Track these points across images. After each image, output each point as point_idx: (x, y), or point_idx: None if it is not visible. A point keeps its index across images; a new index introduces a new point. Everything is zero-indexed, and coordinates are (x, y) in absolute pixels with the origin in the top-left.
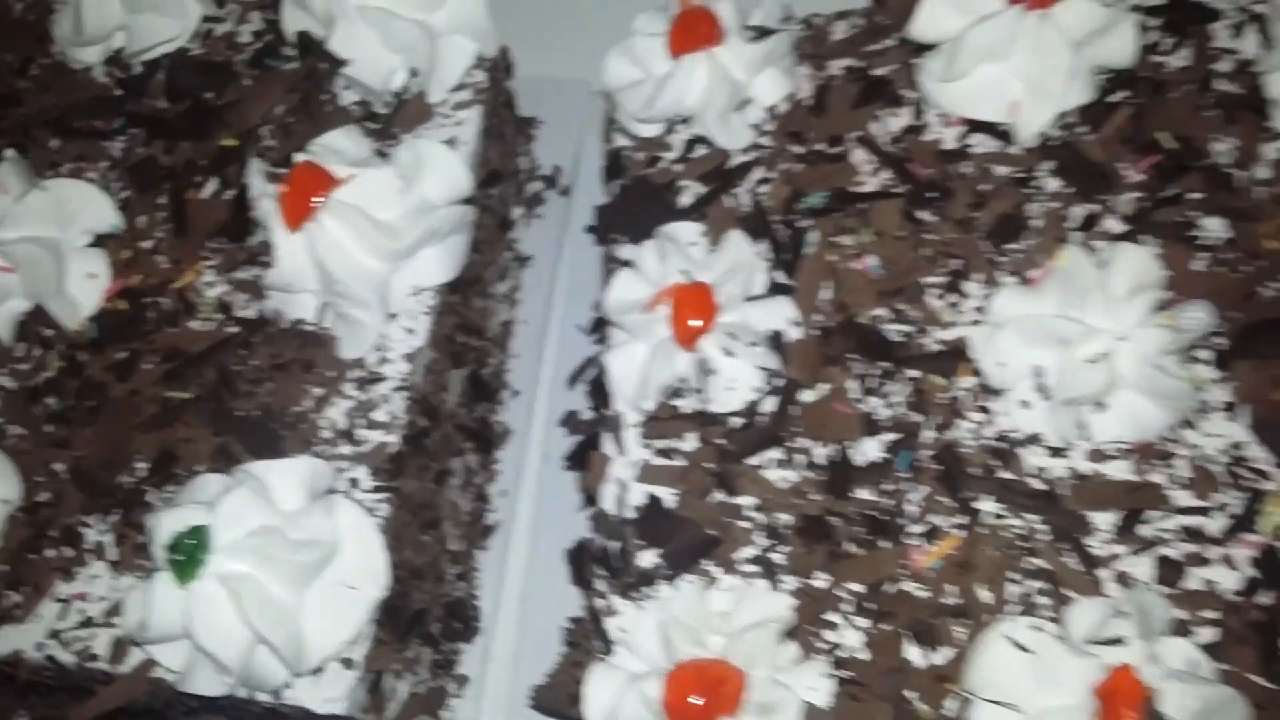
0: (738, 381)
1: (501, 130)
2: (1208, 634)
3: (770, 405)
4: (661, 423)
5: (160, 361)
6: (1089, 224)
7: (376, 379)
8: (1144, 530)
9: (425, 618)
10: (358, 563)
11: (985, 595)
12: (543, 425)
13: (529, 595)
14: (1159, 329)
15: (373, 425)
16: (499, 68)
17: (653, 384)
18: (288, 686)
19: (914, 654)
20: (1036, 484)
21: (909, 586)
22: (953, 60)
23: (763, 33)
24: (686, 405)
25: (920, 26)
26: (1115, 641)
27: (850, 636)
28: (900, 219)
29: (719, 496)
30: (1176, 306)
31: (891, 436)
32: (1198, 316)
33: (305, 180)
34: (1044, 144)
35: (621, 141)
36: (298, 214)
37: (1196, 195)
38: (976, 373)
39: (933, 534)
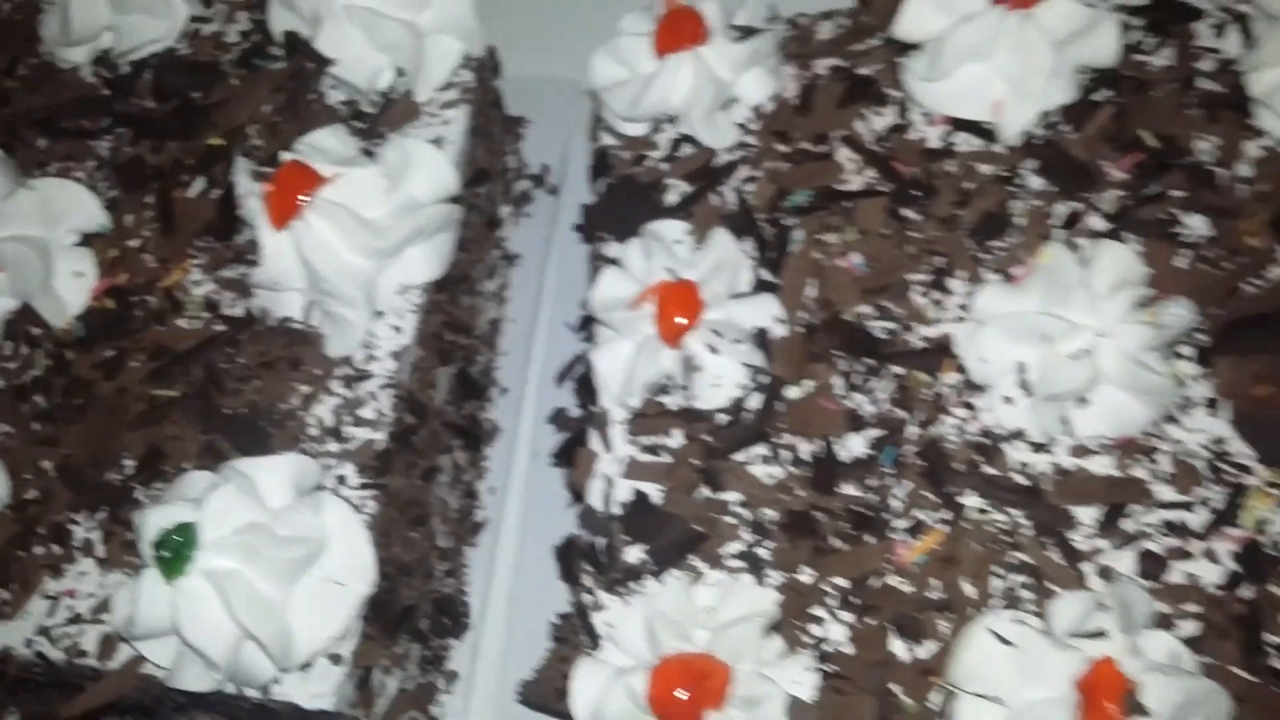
0: (723, 378)
1: (489, 129)
2: (1190, 627)
3: (756, 402)
4: (648, 419)
5: (147, 360)
6: (1072, 222)
7: (364, 376)
8: (1126, 524)
9: (414, 614)
10: (345, 559)
11: (969, 589)
12: (531, 423)
13: (518, 592)
14: (1141, 325)
15: (360, 423)
16: (486, 67)
17: (638, 381)
18: (276, 682)
19: (898, 648)
20: (1020, 479)
21: (894, 581)
22: (936, 60)
23: (748, 32)
24: (672, 402)
25: (904, 26)
26: (1097, 635)
27: (835, 631)
28: (885, 217)
29: (705, 492)
30: (1158, 303)
31: (876, 432)
32: (1179, 313)
33: (291, 179)
34: (1027, 142)
35: (608, 140)
36: (284, 213)
37: (1179, 193)
38: (960, 369)
39: (917, 529)
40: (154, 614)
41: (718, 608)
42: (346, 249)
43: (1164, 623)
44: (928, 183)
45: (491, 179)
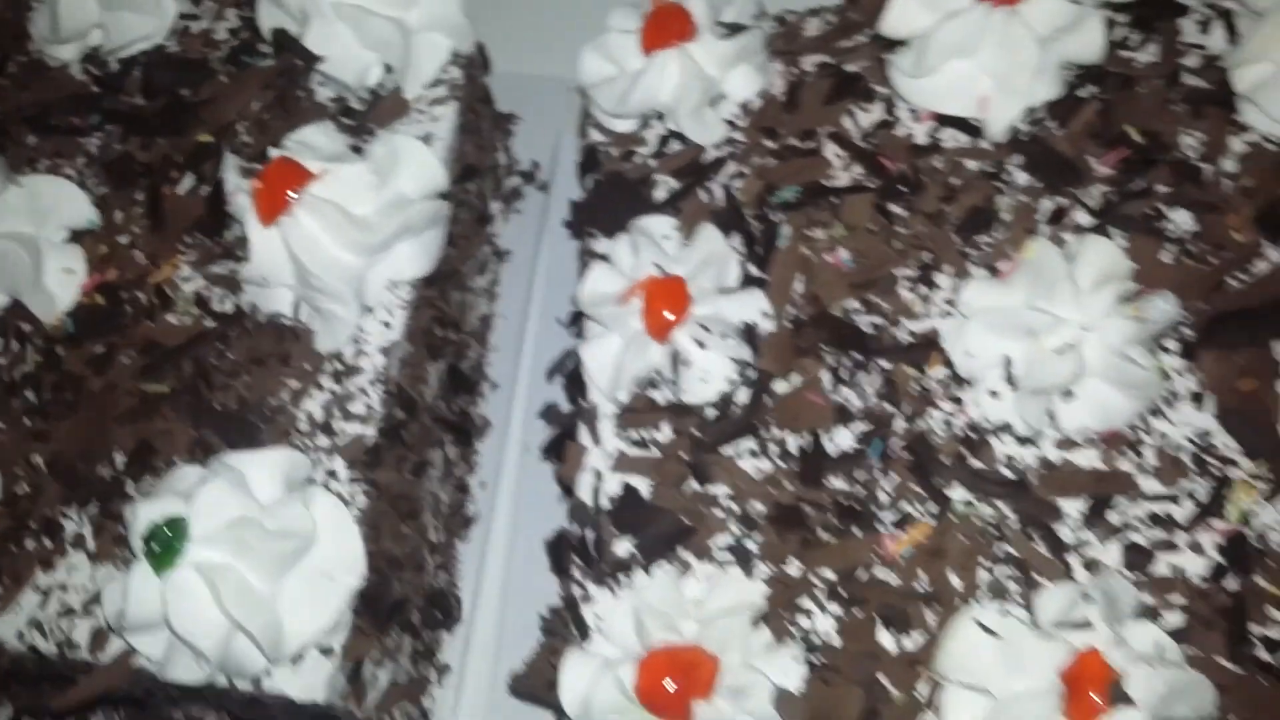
0: (711, 373)
1: (478, 126)
2: (1175, 619)
3: (744, 396)
4: (636, 413)
5: (138, 355)
6: (1058, 217)
7: (353, 372)
8: (1112, 517)
9: (405, 607)
10: (335, 553)
11: (956, 581)
12: (522, 417)
13: (509, 585)
14: (1125, 319)
15: (350, 418)
16: (475, 64)
17: (627, 375)
18: (267, 674)
19: (886, 639)
20: (1006, 472)
21: (881, 573)
22: (922, 56)
23: (735, 29)
24: (661, 396)
25: (891, 23)
26: (1082, 626)
27: (823, 622)
28: (872, 212)
29: (693, 486)
30: (1143, 298)
31: (863, 426)
32: (1163, 307)
33: (279, 175)
34: (1013, 138)
35: (597, 137)
36: (272, 209)
37: (1164, 188)
38: (947, 363)
39: (904, 521)
40: (144, 607)
41: (706, 600)
42: (335, 245)
43: (1149, 614)
44: (914, 178)
45: (481, 175)
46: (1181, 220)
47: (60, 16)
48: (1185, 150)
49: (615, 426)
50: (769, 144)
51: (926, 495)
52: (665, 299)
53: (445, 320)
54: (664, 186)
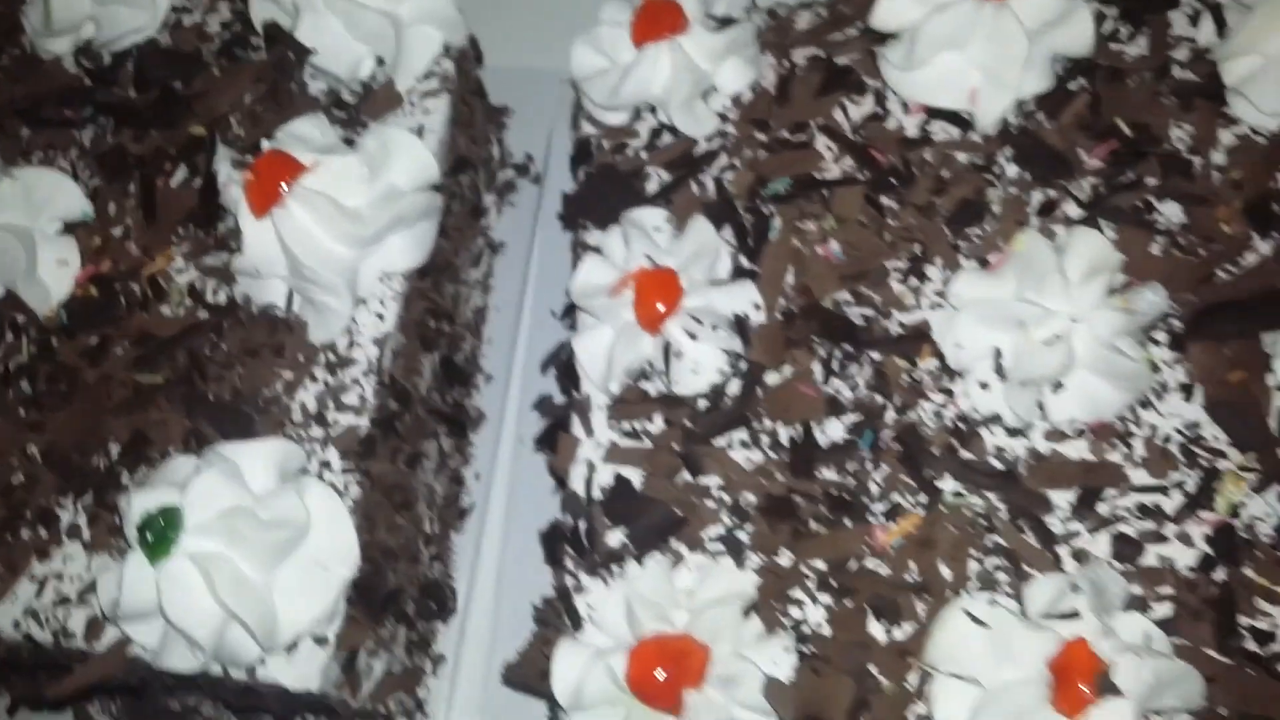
0: (702, 364)
1: (471, 119)
2: (1164, 609)
3: (735, 387)
4: (628, 405)
5: (132, 346)
6: (1048, 209)
7: (346, 363)
8: (1101, 508)
9: (400, 597)
10: (328, 543)
11: (946, 572)
12: (516, 409)
13: (504, 576)
14: (1114, 311)
15: (343, 408)
16: (467, 57)
17: (619, 367)
18: (261, 663)
19: (876, 629)
20: (996, 463)
21: (871, 564)
22: (912, 49)
23: (726, 22)
24: (653, 388)
25: (881, 16)
26: (1070, 616)
27: (814, 613)
28: (863, 205)
29: (685, 477)
30: (1132, 289)
31: (854, 418)
32: (1152, 299)
33: (271, 167)
34: (1004, 131)
35: (589, 129)
36: (264, 200)
37: (1153, 181)
38: (938, 355)
39: (894, 512)
40: (139, 596)
41: (697, 590)
42: (327, 237)
43: (1138, 605)
44: (905, 171)
45: (474, 168)
46: (1171, 212)
47: (53, 10)
48: (1175, 143)
49: (607, 418)
50: (760, 136)
51: (917, 486)
52: (657, 291)
53: (438, 312)
54: (656, 179)
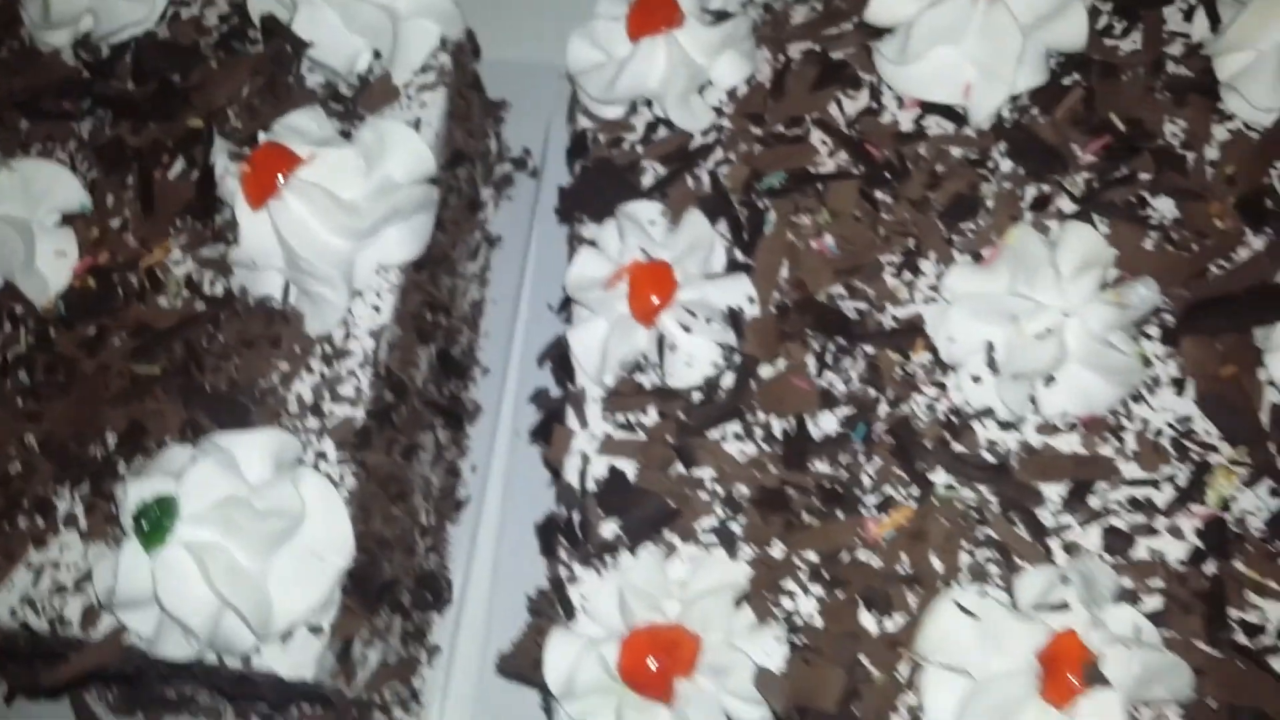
0: (696, 357)
1: (468, 112)
2: (1154, 602)
3: (729, 380)
4: (623, 397)
5: (129, 337)
6: (1041, 204)
7: (343, 354)
8: (1093, 501)
9: (395, 588)
10: (323, 532)
11: (937, 564)
12: (513, 402)
13: (499, 567)
14: (1106, 305)
15: (339, 400)
16: (464, 51)
17: (613, 359)
18: (256, 652)
19: (867, 620)
20: (988, 456)
21: (863, 555)
22: (907, 44)
23: (721, 16)
24: (648, 380)
25: (876, 11)
26: (1059, 608)
27: (805, 604)
28: (857, 199)
29: (679, 469)
30: (1124, 284)
31: (847, 410)
32: (1144, 293)
33: (268, 159)
34: (997, 125)
35: (585, 123)
36: (261, 192)
37: (1147, 176)
38: (931, 348)
39: (886, 505)
40: (134, 584)
41: (689, 580)
42: (323, 229)
43: (1128, 597)
44: (900, 165)
45: (472, 162)
46: (1164, 207)
47: (51, 3)
48: (1168, 138)
49: (602, 410)
50: (755, 131)
51: (909, 479)
52: (651, 283)
53: (435, 305)
54: (651, 172)
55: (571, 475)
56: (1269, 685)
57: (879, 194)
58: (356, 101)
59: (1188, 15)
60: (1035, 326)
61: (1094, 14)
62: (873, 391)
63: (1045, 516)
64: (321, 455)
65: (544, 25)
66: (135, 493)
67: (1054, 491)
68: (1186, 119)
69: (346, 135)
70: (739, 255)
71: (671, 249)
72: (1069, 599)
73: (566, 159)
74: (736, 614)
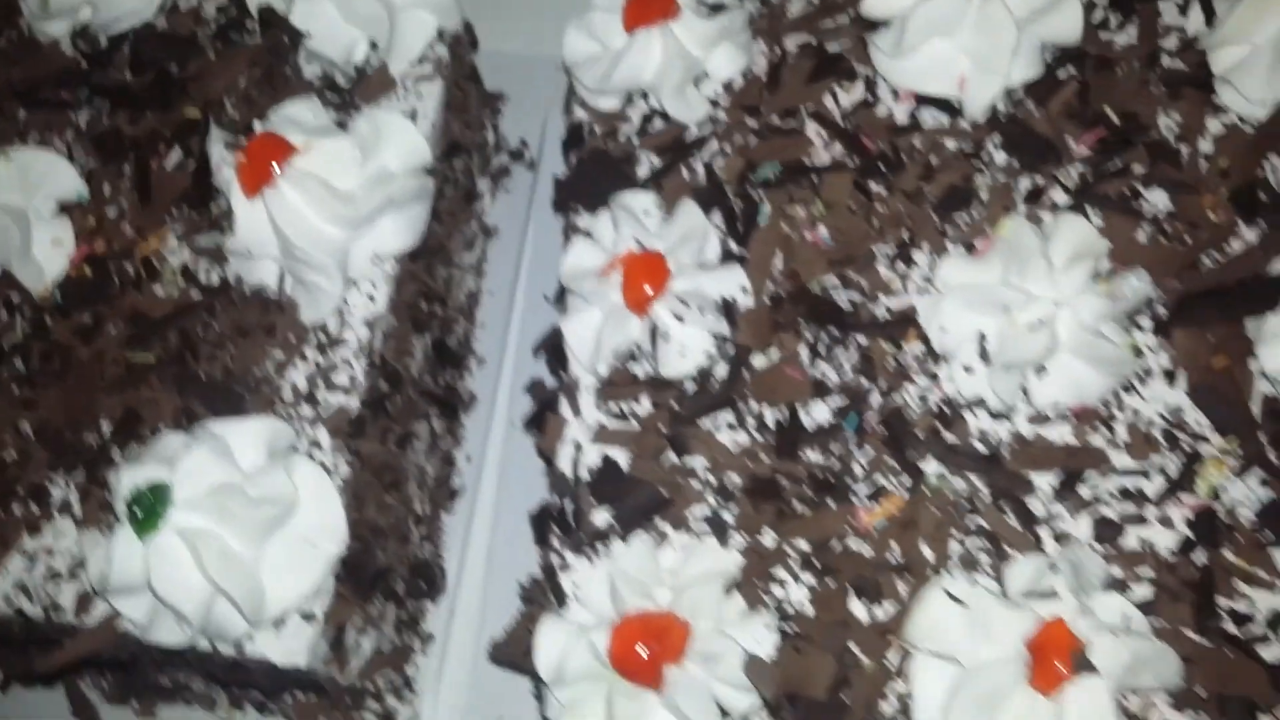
0: (689, 347)
1: (465, 103)
2: (1144, 591)
3: (723, 370)
4: (616, 387)
5: (125, 326)
6: (1035, 196)
7: (337, 343)
8: (1083, 491)
9: (389, 576)
10: (316, 520)
11: (928, 553)
12: (508, 392)
13: (494, 556)
14: (1098, 296)
15: (333, 388)
16: (462, 42)
17: (607, 349)
18: (249, 639)
19: (858, 609)
20: (979, 446)
21: (854, 544)
22: (902, 36)
23: (717, 8)
24: (641, 370)
25: (872, 3)
26: (1048, 596)
27: (796, 592)
28: (851, 191)
29: (671, 458)
30: (1116, 275)
31: (840, 400)
32: (1135, 285)
33: (264, 149)
34: (992, 118)
35: (581, 114)
36: (256, 181)
37: (1141, 168)
38: (923, 339)
39: (878, 494)
40: (127, 570)
41: (679, 568)
42: (318, 217)
43: (1118, 586)
44: (894, 157)
45: (468, 153)
46: (1157, 200)
47: None
48: (1163, 131)
49: (596, 399)
50: (751, 122)
51: (900, 468)
52: (644, 273)
53: (430, 295)
54: (646, 164)
55: (564, 464)
56: (1257, 674)
57: (873, 185)
58: (353, 92)
59: (1183, 9)
60: (1027, 317)
61: (1089, 7)
62: (865, 381)
63: (1036, 506)
64: (315, 443)
65: (542, 17)
66: (129, 479)
67: (1045, 481)
68: (1181, 112)
69: (343, 126)
70: (733, 246)
71: (665, 239)
72: (1058, 587)
73: (562, 150)
74: (727, 602)
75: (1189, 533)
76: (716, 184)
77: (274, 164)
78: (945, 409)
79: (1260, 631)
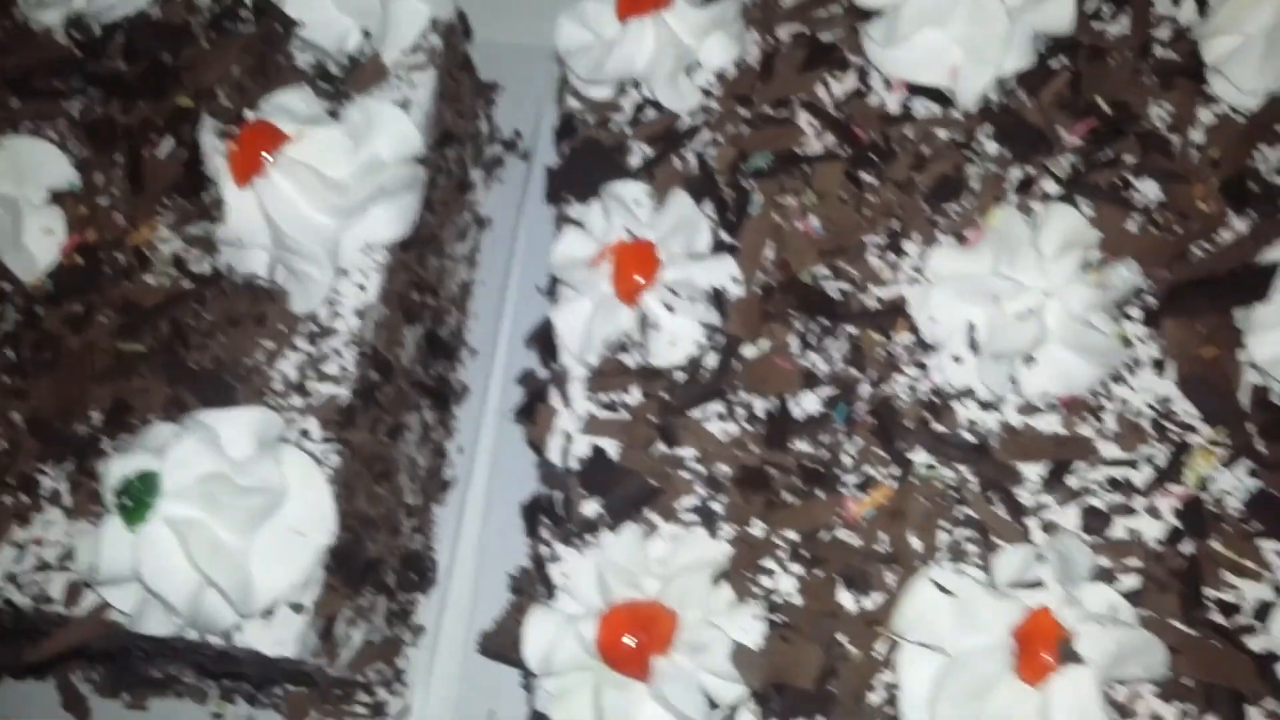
0: (679, 336)
1: (458, 93)
2: (1131, 581)
3: (713, 360)
4: (606, 377)
5: (116, 315)
6: (1026, 186)
7: (328, 333)
8: (1071, 481)
9: (379, 567)
10: (305, 510)
11: (916, 543)
12: (500, 384)
13: (485, 548)
14: (1087, 286)
15: (324, 378)
16: (455, 32)
17: (597, 338)
18: (238, 629)
19: (846, 599)
20: (968, 436)
21: (843, 534)
22: (894, 26)
23: None
24: (631, 360)
25: None
26: (1034, 585)
27: (785, 582)
28: (843, 181)
29: (661, 448)
30: (1105, 265)
31: (829, 391)
32: (1125, 274)
33: (255, 137)
34: (984, 108)
35: (574, 104)
36: (247, 170)
37: (1132, 158)
38: (913, 329)
39: (866, 484)
40: (116, 560)
41: (667, 557)
42: (309, 206)
43: (1106, 576)
44: (886, 147)
45: (462, 143)
46: (1148, 190)
47: None
48: (1154, 121)
49: (586, 389)
50: (743, 112)
51: (889, 458)
52: (634, 263)
53: (422, 285)
54: (639, 153)
55: (554, 454)
56: (1244, 664)
57: (865, 176)
58: (346, 81)
59: None
60: (1016, 307)
61: None
62: (855, 371)
63: (1024, 496)
64: (305, 433)
65: (537, 7)
66: (118, 468)
67: (1033, 471)
68: (1172, 102)
69: (335, 115)
70: (725, 236)
71: (656, 229)
72: (1044, 577)
73: (554, 140)
74: (715, 592)
75: (1177, 523)
76: (708, 173)
77: (265, 152)
78: (934, 399)
79: (1247, 622)
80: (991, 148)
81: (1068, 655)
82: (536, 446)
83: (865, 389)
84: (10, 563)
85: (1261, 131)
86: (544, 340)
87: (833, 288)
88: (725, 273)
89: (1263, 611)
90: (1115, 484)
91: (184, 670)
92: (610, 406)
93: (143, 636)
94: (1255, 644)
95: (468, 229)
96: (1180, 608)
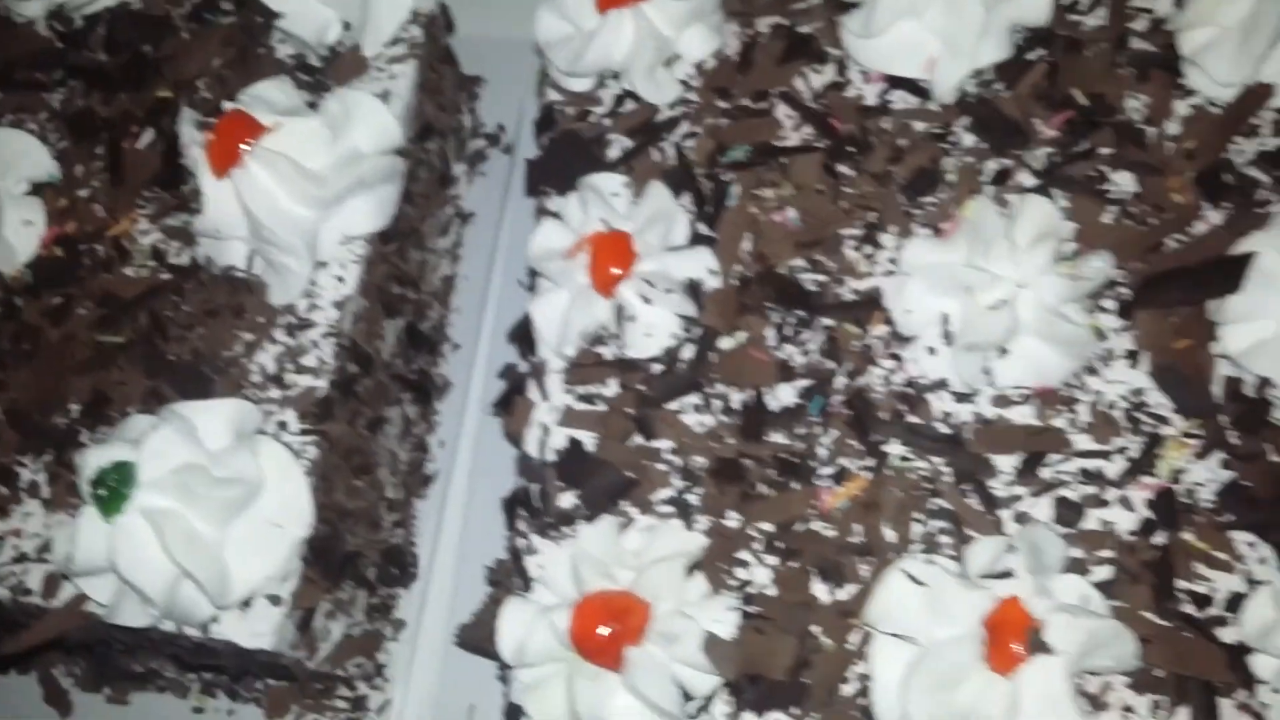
0: (656, 328)
1: (440, 86)
2: (1103, 572)
3: (689, 352)
4: (583, 369)
5: (95, 307)
6: (1002, 178)
7: (306, 325)
8: (1044, 473)
9: (358, 561)
10: (282, 502)
11: (890, 534)
12: (482, 378)
13: (466, 543)
14: (1060, 277)
15: (302, 370)
16: (437, 24)
17: (574, 330)
18: (214, 620)
19: (820, 590)
20: (942, 428)
21: (817, 526)
22: (872, 17)
23: None
24: (608, 352)
25: None
26: (1005, 575)
27: (759, 573)
28: (820, 173)
29: (637, 440)
30: (1079, 256)
31: (805, 382)
32: (1098, 266)
33: (232, 128)
34: (961, 100)
35: (554, 96)
36: (224, 161)
37: (1107, 150)
38: (888, 321)
39: (841, 476)
40: (92, 551)
41: (641, 549)
42: (287, 197)
43: (1078, 567)
44: (863, 139)
45: (443, 136)
46: (1123, 181)
47: None
48: (1130, 113)
49: (563, 382)
50: (722, 104)
51: (864, 450)
52: (611, 254)
53: (403, 278)
54: (618, 145)
55: (532, 447)
56: (1215, 656)
57: (842, 168)
58: (326, 73)
59: None
60: (989, 298)
61: None
62: (830, 364)
63: (997, 488)
64: (283, 425)
65: (520, 1)
66: (94, 459)
67: (1007, 463)
68: (1148, 94)
69: (314, 106)
70: (702, 228)
71: (633, 220)
72: (1015, 567)
73: (534, 132)
74: (688, 582)
75: (1149, 514)
76: (686, 166)
77: (242, 143)
78: (909, 391)
79: (1218, 613)
80: (968, 140)
81: (1037, 645)
82: (514, 439)
83: (841, 381)
84: None
85: (1236, 124)
86: (524, 336)
87: (809, 280)
88: (702, 264)
89: (1234, 603)
90: (1088, 475)
91: (164, 664)
92: (587, 399)
93: (120, 628)
94: (1227, 635)
95: (450, 223)
96: (1152, 599)
